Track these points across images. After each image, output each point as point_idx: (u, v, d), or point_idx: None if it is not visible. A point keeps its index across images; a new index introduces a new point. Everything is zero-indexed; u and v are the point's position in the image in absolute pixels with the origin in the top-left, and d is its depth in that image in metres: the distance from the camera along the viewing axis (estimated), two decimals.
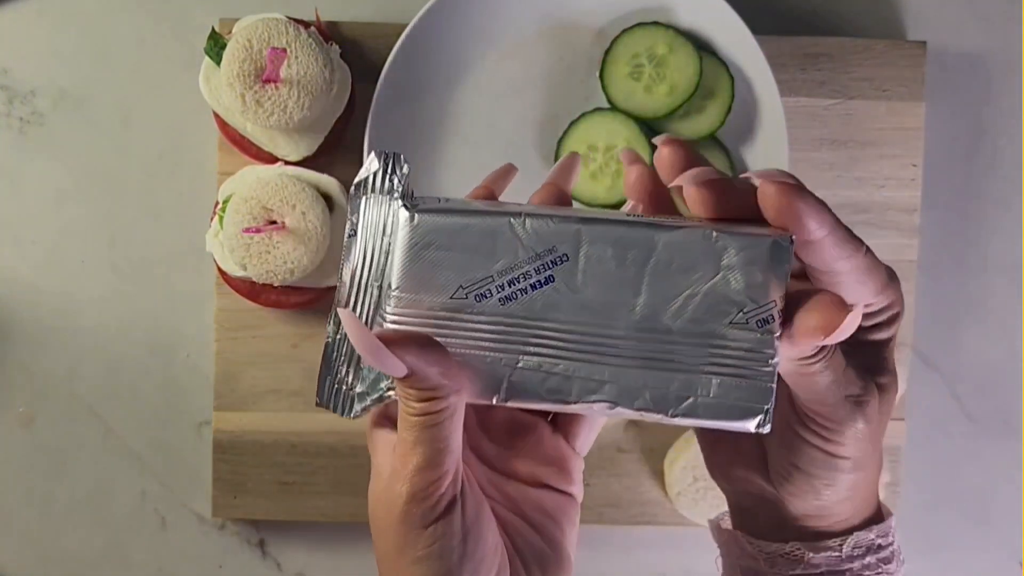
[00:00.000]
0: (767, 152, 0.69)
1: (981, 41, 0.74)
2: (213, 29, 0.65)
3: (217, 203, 0.67)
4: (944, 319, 0.75)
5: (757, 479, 0.40)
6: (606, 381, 0.35)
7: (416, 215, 0.35)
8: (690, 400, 0.35)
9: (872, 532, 0.39)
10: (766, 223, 0.35)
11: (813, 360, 0.35)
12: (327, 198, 0.66)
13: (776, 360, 0.34)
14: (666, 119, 0.68)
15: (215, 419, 0.70)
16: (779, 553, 0.40)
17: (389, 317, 0.35)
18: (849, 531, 0.39)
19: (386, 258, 0.36)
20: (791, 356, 0.35)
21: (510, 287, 0.35)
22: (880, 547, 0.40)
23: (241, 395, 0.70)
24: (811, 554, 0.39)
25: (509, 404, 0.35)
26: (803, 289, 0.35)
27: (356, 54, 0.69)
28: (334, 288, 0.67)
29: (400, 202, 0.36)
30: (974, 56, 0.74)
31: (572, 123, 0.68)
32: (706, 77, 0.67)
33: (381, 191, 0.36)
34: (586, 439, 0.41)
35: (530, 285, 0.35)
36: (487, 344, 0.35)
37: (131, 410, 0.72)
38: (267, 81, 0.63)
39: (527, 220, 0.35)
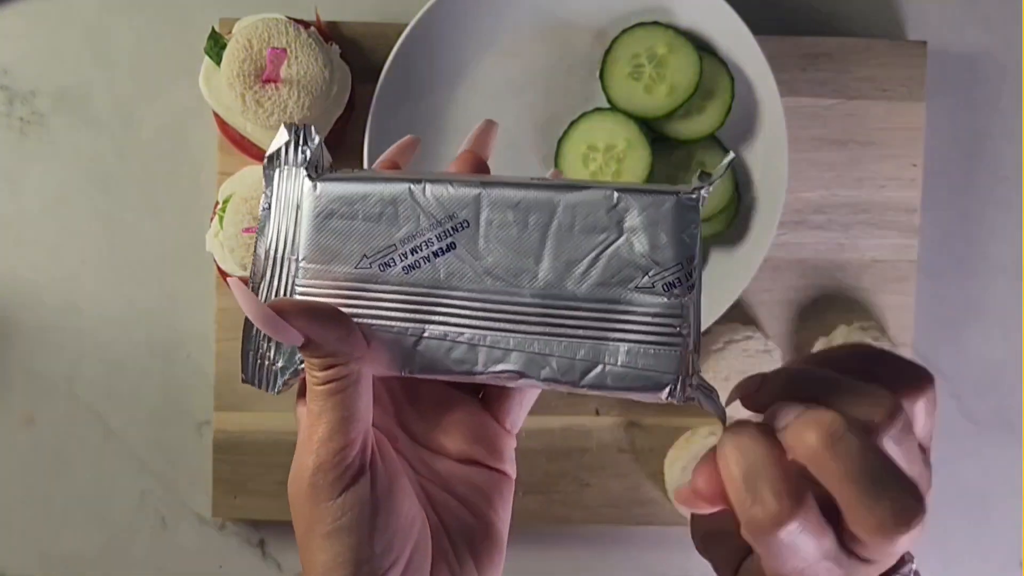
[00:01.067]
0: (767, 152, 0.69)
1: (981, 41, 0.74)
2: (213, 29, 0.65)
3: (217, 203, 0.67)
4: (944, 319, 0.75)
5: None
6: (512, 350, 0.34)
7: (318, 184, 0.35)
8: (598, 369, 0.33)
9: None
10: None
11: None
12: None
13: (686, 325, 0.33)
14: (666, 119, 0.68)
15: (215, 419, 0.70)
16: None
17: (299, 289, 0.35)
18: None
19: (294, 216, 0.35)
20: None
21: (413, 255, 0.34)
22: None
23: (241, 395, 0.70)
24: None
25: (418, 375, 0.34)
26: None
27: (356, 54, 0.69)
28: None
29: (304, 171, 0.35)
30: (974, 56, 0.74)
31: (572, 123, 0.68)
32: (706, 77, 0.67)
33: (293, 163, 0.36)
34: (516, 416, 0.39)
35: (432, 253, 0.34)
36: (393, 315, 0.34)
37: (131, 410, 0.72)
38: (267, 81, 0.63)
39: (427, 186, 0.35)
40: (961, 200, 0.75)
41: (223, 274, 0.67)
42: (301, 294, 0.35)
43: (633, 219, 0.34)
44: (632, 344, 0.33)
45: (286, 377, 0.35)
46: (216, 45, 0.65)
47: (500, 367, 0.34)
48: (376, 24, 0.70)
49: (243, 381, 0.36)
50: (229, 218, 0.64)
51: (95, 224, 0.72)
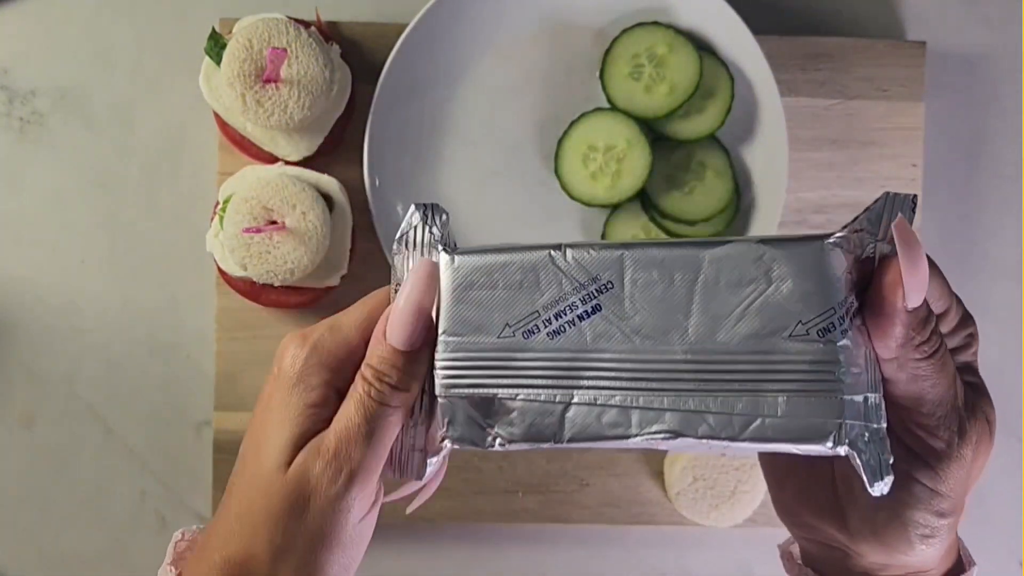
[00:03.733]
0: (767, 152, 0.69)
1: (981, 41, 0.74)
2: (213, 29, 0.65)
3: (217, 203, 0.67)
4: None
5: (827, 527, 0.37)
6: (666, 409, 0.33)
7: (455, 257, 0.35)
8: (757, 422, 0.32)
9: None
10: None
11: (925, 356, 0.32)
12: (327, 198, 0.66)
13: (843, 369, 0.32)
14: (666, 119, 0.68)
15: (215, 419, 0.70)
16: None
17: (439, 363, 0.34)
18: None
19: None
20: (890, 346, 0.32)
21: (557, 320, 0.34)
22: None
23: (241, 395, 0.70)
24: None
25: (567, 445, 0.33)
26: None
27: (356, 54, 0.69)
28: (334, 288, 0.68)
29: (439, 247, 0.35)
30: (974, 56, 0.74)
31: (572, 123, 0.68)
32: (706, 77, 0.67)
33: (422, 244, 0.36)
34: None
35: (577, 316, 0.33)
36: (540, 383, 0.33)
37: (131, 410, 0.72)
38: (267, 81, 0.63)
39: (568, 251, 0.34)
40: (961, 200, 0.75)
41: (223, 274, 0.67)
42: (443, 368, 0.35)
43: (780, 268, 0.33)
44: (791, 395, 0.32)
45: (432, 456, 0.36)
46: (216, 45, 0.65)
47: (655, 427, 0.33)
48: (376, 24, 0.70)
49: (393, 477, 0.36)
50: (229, 218, 0.64)
51: (95, 224, 0.72)
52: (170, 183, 0.72)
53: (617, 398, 0.33)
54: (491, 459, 0.70)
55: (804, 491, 0.38)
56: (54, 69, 0.71)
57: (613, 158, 0.68)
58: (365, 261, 0.68)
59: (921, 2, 0.74)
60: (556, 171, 0.69)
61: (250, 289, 0.67)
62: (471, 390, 0.34)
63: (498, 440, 0.34)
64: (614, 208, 0.69)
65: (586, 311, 0.34)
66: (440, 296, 0.35)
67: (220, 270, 0.67)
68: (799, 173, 0.71)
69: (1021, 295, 0.75)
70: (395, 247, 0.36)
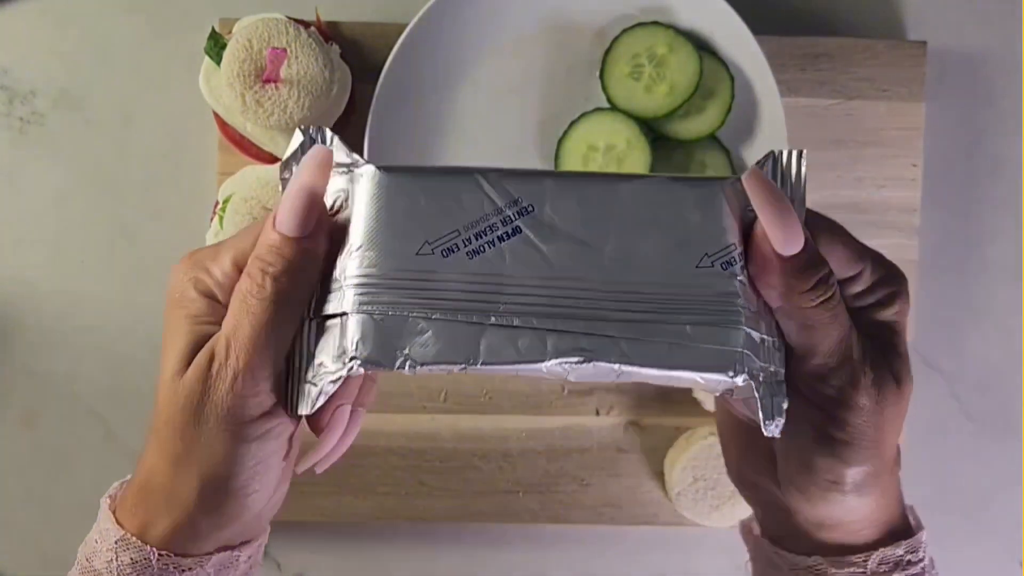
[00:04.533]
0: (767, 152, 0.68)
1: (981, 41, 0.74)
2: (213, 29, 0.65)
3: (217, 203, 0.67)
4: (944, 319, 0.75)
5: (766, 482, 0.39)
6: (581, 333, 0.33)
7: (380, 171, 0.34)
8: (665, 349, 0.33)
9: (900, 547, 0.37)
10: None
11: (812, 304, 0.34)
12: None
13: (741, 301, 0.34)
14: (666, 119, 0.68)
15: None
16: (802, 566, 0.38)
17: (352, 278, 0.34)
18: (874, 546, 0.37)
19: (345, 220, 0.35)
20: (772, 295, 0.34)
21: (477, 240, 0.34)
22: (909, 563, 0.37)
23: None
24: (833, 570, 0.37)
25: (481, 368, 0.33)
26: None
27: (356, 54, 0.69)
28: None
29: (362, 159, 0.35)
30: (974, 56, 0.74)
31: (572, 123, 0.68)
32: (706, 77, 0.67)
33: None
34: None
35: (497, 237, 0.34)
36: (455, 304, 0.33)
37: (131, 410, 0.72)
38: (267, 81, 0.63)
39: (492, 175, 0.34)
40: (961, 200, 0.75)
41: None
42: (356, 283, 0.34)
43: (689, 204, 0.34)
44: (696, 324, 0.33)
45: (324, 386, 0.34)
46: (216, 45, 0.65)
47: (570, 353, 0.33)
48: (376, 24, 0.70)
49: (287, 414, 0.35)
50: (229, 218, 0.64)
51: (95, 224, 0.72)
52: (170, 183, 0.72)
53: (534, 321, 0.33)
54: (491, 459, 0.70)
55: (746, 449, 0.40)
56: (54, 69, 0.71)
57: (613, 158, 0.68)
58: None
59: (921, 2, 0.74)
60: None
61: None
62: (384, 307, 0.33)
63: (408, 362, 0.33)
64: None
65: (506, 232, 0.34)
66: (358, 209, 0.34)
67: None
68: None
69: (1021, 295, 0.75)
70: (282, 172, 0.36)
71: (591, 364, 0.33)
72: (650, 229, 0.34)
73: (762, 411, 0.34)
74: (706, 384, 0.34)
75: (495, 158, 0.70)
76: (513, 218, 0.34)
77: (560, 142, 0.68)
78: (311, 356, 0.35)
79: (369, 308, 0.33)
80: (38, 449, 0.72)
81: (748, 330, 0.34)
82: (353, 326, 0.33)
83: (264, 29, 0.63)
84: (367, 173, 0.35)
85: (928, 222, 0.74)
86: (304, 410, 0.35)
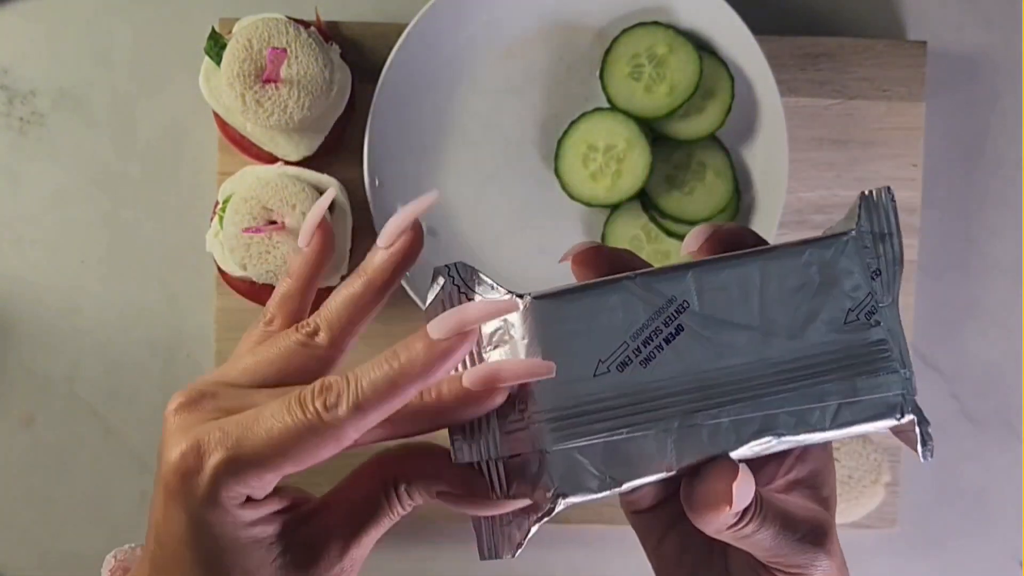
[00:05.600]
0: (767, 152, 0.69)
1: (981, 41, 0.74)
2: (213, 29, 0.65)
3: (217, 203, 0.67)
4: (944, 319, 0.75)
5: None
6: (758, 414, 0.34)
7: (532, 300, 0.34)
8: (835, 408, 0.34)
9: None
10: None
11: (741, 526, 0.33)
12: None
13: (888, 344, 0.36)
14: (666, 119, 0.68)
15: None
16: None
17: (541, 415, 0.33)
18: None
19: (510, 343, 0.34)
20: (712, 531, 0.34)
21: (646, 347, 0.34)
22: None
23: None
24: None
25: (680, 469, 0.33)
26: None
27: (356, 54, 0.69)
28: (334, 288, 0.67)
29: (510, 294, 0.34)
30: (974, 56, 0.74)
31: (572, 123, 0.68)
32: (706, 77, 0.67)
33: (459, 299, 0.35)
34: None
35: (664, 340, 0.34)
36: (643, 417, 0.33)
37: (131, 410, 0.72)
38: (267, 81, 0.63)
39: (638, 279, 0.34)
40: (961, 200, 0.75)
41: (223, 274, 0.67)
42: (547, 419, 0.33)
43: (823, 265, 0.36)
44: (862, 377, 0.35)
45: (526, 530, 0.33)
46: (216, 45, 0.65)
47: (754, 433, 0.34)
48: (376, 24, 0.70)
49: (483, 558, 0.34)
50: (229, 218, 0.64)
51: (95, 224, 0.72)
52: (170, 183, 0.72)
53: (714, 412, 0.34)
54: None
55: (683, 549, 0.39)
56: (54, 69, 0.71)
57: (613, 158, 0.68)
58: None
59: (921, 2, 0.74)
60: (556, 171, 0.69)
61: (250, 289, 0.67)
62: (580, 438, 0.33)
63: (610, 483, 0.33)
64: (614, 208, 0.69)
65: (671, 333, 0.34)
66: (517, 344, 0.34)
67: (220, 270, 0.67)
68: (799, 173, 0.71)
69: (1021, 295, 0.75)
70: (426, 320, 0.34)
71: (773, 440, 0.34)
72: (794, 298, 0.35)
73: (920, 441, 0.36)
74: (873, 431, 0.35)
75: (495, 158, 0.70)
76: (673, 317, 0.34)
77: (560, 142, 0.68)
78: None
79: (565, 444, 0.33)
80: (37, 449, 0.72)
81: (900, 369, 0.36)
82: (553, 463, 0.33)
83: (264, 29, 0.63)
84: (528, 305, 0.34)
85: (928, 222, 0.74)
86: (507, 554, 0.34)
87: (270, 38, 0.63)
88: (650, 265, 0.37)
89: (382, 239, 0.35)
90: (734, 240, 0.37)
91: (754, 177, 0.69)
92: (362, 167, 0.67)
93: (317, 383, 0.31)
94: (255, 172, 0.66)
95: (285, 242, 0.64)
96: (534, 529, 0.33)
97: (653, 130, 0.69)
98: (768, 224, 0.68)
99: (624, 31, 0.68)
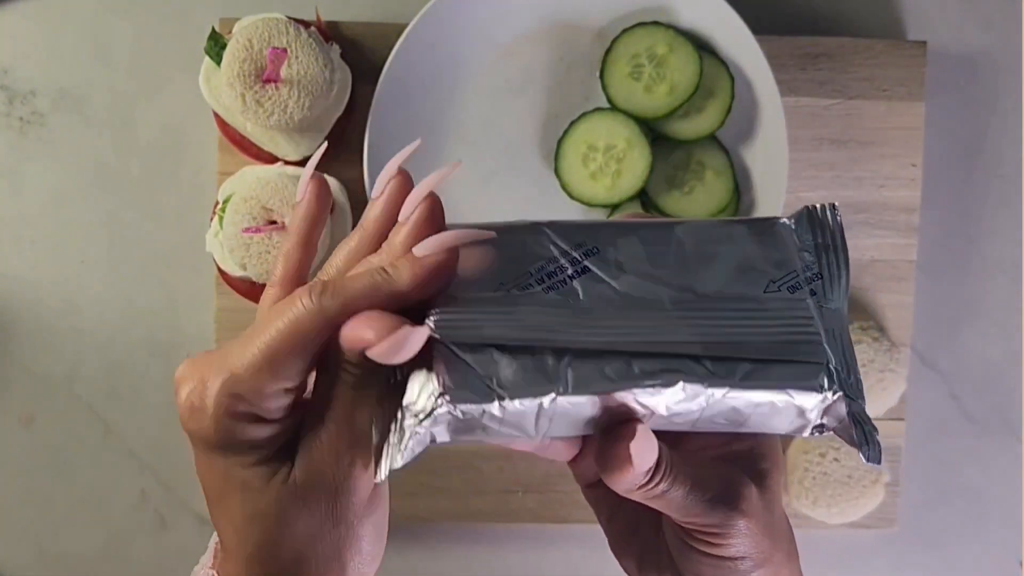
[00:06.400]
0: (767, 152, 0.69)
1: (981, 41, 0.74)
2: (213, 29, 0.65)
3: (217, 203, 0.67)
4: (943, 319, 0.75)
5: (650, 570, 0.39)
6: (665, 354, 0.33)
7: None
8: (749, 367, 0.33)
9: None
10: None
11: (651, 486, 0.34)
12: None
13: (817, 321, 0.34)
14: (666, 119, 0.68)
15: None
16: None
17: (434, 314, 0.33)
18: None
19: None
20: (622, 491, 0.34)
21: (549, 279, 0.34)
22: None
23: None
24: None
25: (572, 395, 0.32)
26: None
27: (356, 54, 0.69)
28: None
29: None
30: (974, 56, 0.74)
31: (572, 123, 0.68)
32: (706, 77, 0.67)
33: None
34: None
35: (568, 276, 0.34)
36: (537, 335, 0.33)
37: (131, 410, 0.72)
38: (267, 81, 0.63)
39: (555, 226, 0.36)
40: (961, 200, 0.75)
41: (223, 274, 0.67)
42: (439, 318, 0.33)
43: (744, 238, 0.36)
44: (779, 342, 0.34)
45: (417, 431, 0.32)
46: (216, 45, 0.65)
47: (658, 375, 0.33)
48: (376, 24, 0.70)
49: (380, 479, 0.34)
50: (229, 218, 0.64)
51: (95, 224, 0.72)
52: (170, 183, 0.72)
53: (618, 347, 0.33)
54: (491, 459, 0.70)
55: (632, 528, 0.40)
56: (54, 69, 0.71)
57: (613, 158, 0.68)
58: None
59: (921, 2, 0.74)
60: (556, 171, 0.69)
61: (250, 289, 0.67)
62: (471, 341, 0.33)
63: (495, 397, 0.32)
64: (614, 208, 0.69)
65: (576, 271, 0.35)
66: None
67: (220, 270, 0.67)
68: (799, 173, 0.71)
69: (1020, 294, 0.75)
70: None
71: (676, 388, 0.33)
72: (712, 262, 0.35)
73: (857, 436, 0.34)
74: (797, 405, 0.33)
75: (495, 158, 0.70)
76: (580, 259, 0.35)
77: (560, 142, 0.68)
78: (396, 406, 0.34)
79: (455, 343, 0.33)
80: (37, 449, 0.72)
81: (828, 350, 0.34)
82: (440, 362, 0.32)
83: (264, 29, 0.63)
84: None
85: (927, 222, 0.74)
86: (399, 458, 0.33)
87: (270, 38, 0.63)
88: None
89: (374, 190, 0.37)
90: None
91: (754, 177, 0.69)
92: (362, 167, 0.67)
93: (305, 286, 0.33)
94: (255, 172, 0.66)
95: (285, 242, 0.64)
96: (420, 431, 0.32)
97: (653, 130, 0.69)
98: None
99: (624, 31, 0.68)
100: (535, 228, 0.35)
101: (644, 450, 0.33)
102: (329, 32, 0.68)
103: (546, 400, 0.32)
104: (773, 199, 0.68)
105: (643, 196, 0.69)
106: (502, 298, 0.34)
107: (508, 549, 0.74)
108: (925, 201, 0.73)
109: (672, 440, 0.36)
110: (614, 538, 0.41)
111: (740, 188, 0.69)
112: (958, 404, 0.75)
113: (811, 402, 0.33)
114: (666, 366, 0.33)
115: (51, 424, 0.72)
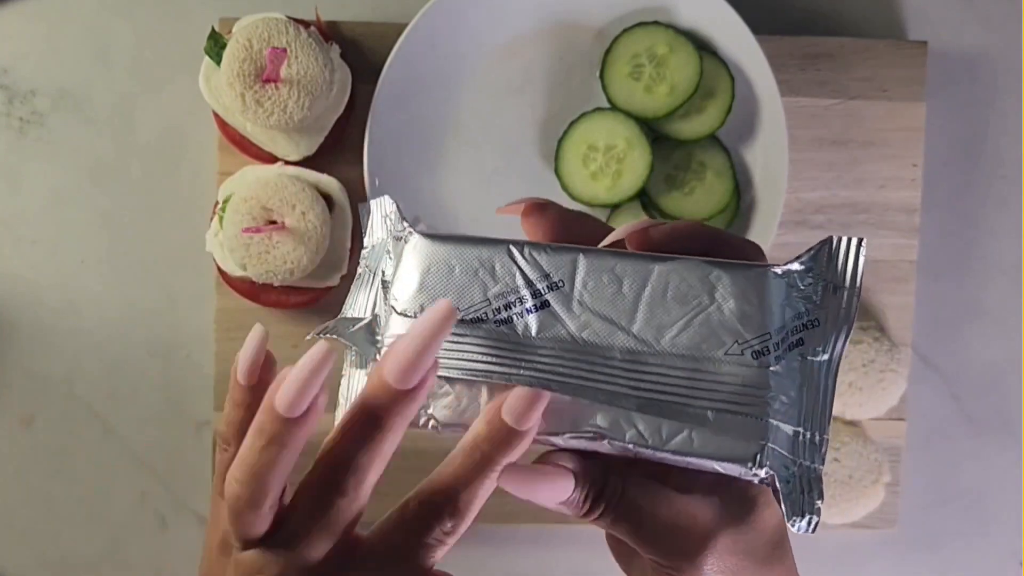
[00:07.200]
0: (767, 152, 0.69)
1: (981, 41, 0.74)
2: (213, 29, 0.65)
3: (217, 203, 0.67)
4: (943, 319, 0.75)
5: None
6: (597, 411, 0.33)
7: (422, 239, 0.35)
8: (683, 434, 0.33)
9: None
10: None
11: (588, 517, 0.34)
12: (327, 198, 0.66)
13: (772, 393, 0.33)
14: (666, 119, 0.68)
15: (215, 419, 0.70)
16: None
17: (388, 340, 0.35)
18: None
19: (393, 271, 0.36)
20: (549, 506, 0.34)
21: (506, 311, 0.34)
22: None
23: None
24: None
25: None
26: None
27: (356, 54, 0.69)
28: (334, 288, 0.68)
29: (404, 225, 0.36)
30: (974, 56, 0.74)
31: (572, 123, 0.68)
32: (706, 77, 0.67)
33: (386, 232, 0.37)
34: None
35: (525, 310, 0.34)
36: (479, 366, 0.34)
37: (131, 410, 0.72)
38: (267, 81, 0.63)
39: (525, 248, 0.35)
40: (961, 200, 0.75)
41: (223, 274, 0.67)
42: (391, 345, 0.34)
43: (724, 287, 0.34)
44: (718, 411, 0.33)
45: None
46: (216, 45, 0.65)
47: (584, 427, 0.33)
48: (376, 24, 0.70)
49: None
50: (229, 218, 0.64)
51: (95, 224, 0.71)
52: (170, 183, 0.72)
53: (553, 387, 0.33)
54: None
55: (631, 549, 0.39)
56: (54, 69, 0.71)
57: (613, 158, 0.68)
58: None
59: (922, 2, 0.74)
60: (556, 171, 0.69)
61: (249, 289, 0.67)
62: None
63: (431, 422, 0.34)
64: (614, 208, 0.69)
65: (534, 305, 0.34)
66: (400, 270, 0.35)
67: (220, 270, 0.67)
68: (799, 173, 0.71)
69: (1020, 295, 0.75)
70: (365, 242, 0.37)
71: (603, 443, 0.33)
72: (679, 313, 0.34)
73: (786, 504, 0.33)
74: (726, 474, 0.33)
75: (495, 158, 0.70)
76: (543, 291, 0.34)
77: (560, 142, 0.68)
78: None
79: None
80: (37, 449, 0.72)
81: (778, 423, 0.33)
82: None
83: (264, 29, 0.63)
84: (412, 240, 0.36)
85: (928, 222, 0.74)
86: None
87: (270, 38, 0.63)
88: (611, 229, 0.37)
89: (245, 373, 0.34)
90: (668, 242, 0.36)
91: (754, 177, 0.69)
92: (362, 167, 0.67)
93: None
94: (255, 172, 0.66)
95: (285, 242, 0.64)
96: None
97: (653, 130, 0.69)
98: (768, 224, 0.68)
99: (624, 31, 0.68)
100: (508, 251, 0.35)
101: (541, 489, 0.33)
102: (329, 32, 0.68)
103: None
104: (773, 199, 0.68)
105: (643, 196, 0.69)
106: (456, 326, 0.34)
107: (509, 549, 0.74)
108: (926, 201, 0.73)
109: (658, 468, 0.35)
110: (617, 552, 0.41)
111: (740, 188, 0.69)
112: (958, 404, 0.75)
113: (739, 473, 0.33)
114: (595, 422, 0.33)
115: (51, 424, 0.72)
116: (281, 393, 0.30)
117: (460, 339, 0.34)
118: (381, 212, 0.37)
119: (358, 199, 0.67)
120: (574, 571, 0.74)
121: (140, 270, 0.72)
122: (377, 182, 0.67)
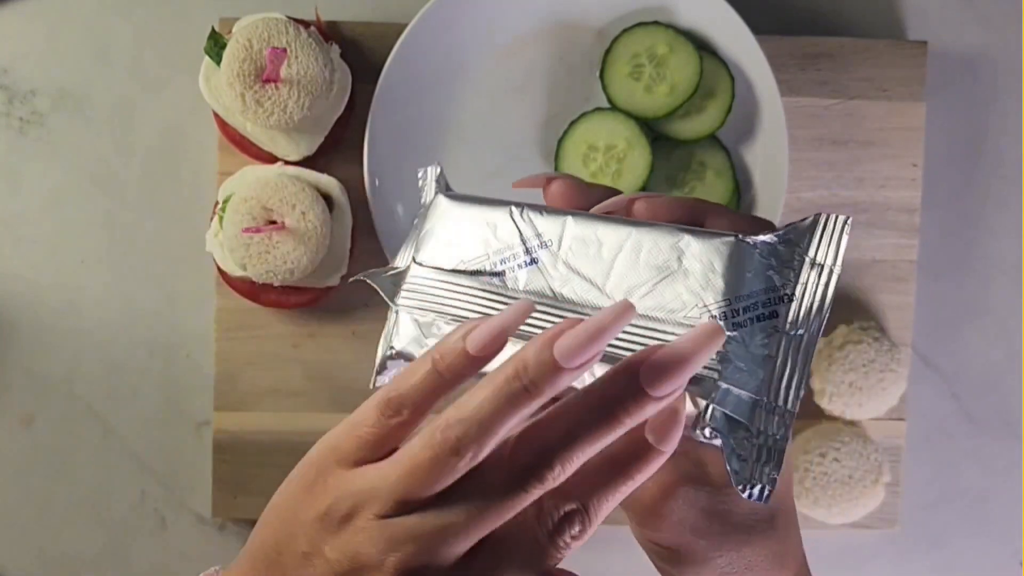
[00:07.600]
0: (767, 152, 0.69)
1: (981, 41, 0.74)
2: (213, 29, 0.65)
3: (217, 203, 0.67)
4: (944, 319, 0.75)
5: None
6: None
7: (445, 199, 0.40)
8: None
9: None
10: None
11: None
12: (327, 198, 0.66)
13: (726, 359, 0.33)
14: (666, 119, 0.68)
15: (215, 419, 0.70)
16: None
17: (406, 284, 0.39)
18: None
19: (421, 227, 0.40)
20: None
21: (501, 264, 0.37)
22: None
23: (241, 395, 0.70)
24: None
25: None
26: None
27: (356, 54, 0.69)
28: (334, 288, 0.68)
29: (435, 187, 0.42)
30: (974, 56, 0.74)
31: (572, 123, 0.68)
32: (706, 77, 0.67)
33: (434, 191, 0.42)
34: None
35: (517, 264, 0.37)
36: (473, 309, 0.37)
37: (131, 410, 0.72)
38: (267, 81, 0.63)
39: (525, 209, 0.38)
40: (961, 200, 0.75)
41: (223, 274, 0.67)
42: (406, 288, 0.38)
43: (692, 253, 0.35)
44: None
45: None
46: (216, 45, 0.65)
47: None
48: (376, 24, 0.70)
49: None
50: (229, 218, 0.64)
51: (95, 224, 0.71)
52: (170, 183, 0.72)
53: (525, 338, 0.35)
54: None
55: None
56: (54, 69, 0.71)
57: (613, 158, 0.68)
58: (365, 261, 0.68)
59: (922, 2, 0.74)
60: (556, 171, 0.69)
61: (250, 289, 0.67)
62: (418, 311, 0.38)
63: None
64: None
65: (526, 260, 0.37)
66: (427, 226, 0.40)
67: (220, 270, 0.67)
68: (799, 173, 0.71)
69: (1021, 294, 0.75)
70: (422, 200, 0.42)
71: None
72: (649, 274, 0.36)
73: (731, 470, 0.33)
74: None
75: (495, 158, 0.70)
76: (534, 250, 0.37)
77: (560, 142, 0.68)
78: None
79: (408, 310, 0.38)
80: (37, 449, 0.72)
81: (729, 387, 0.33)
82: (396, 320, 0.39)
83: (264, 29, 0.63)
84: (436, 200, 0.41)
85: (928, 221, 0.74)
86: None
87: (270, 38, 0.63)
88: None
89: (481, 344, 0.33)
90: (666, 212, 0.37)
91: (754, 177, 0.69)
92: (362, 167, 0.67)
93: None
94: (255, 172, 0.66)
95: (285, 242, 0.64)
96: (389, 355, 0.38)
97: (653, 130, 0.69)
98: None
99: (624, 31, 0.68)
100: (511, 212, 0.38)
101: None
102: (329, 32, 0.68)
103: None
104: (773, 199, 0.68)
105: None
106: (453, 277, 0.38)
107: None
108: (926, 201, 0.73)
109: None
110: (658, 556, 0.43)
111: (740, 188, 0.69)
112: (959, 404, 0.75)
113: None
114: None
115: (51, 424, 0.72)
116: (568, 339, 0.29)
117: (457, 286, 0.37)
118: (430, 177, 0.43)
119: (358, 199, 0.67)
120: (573, 571, 0.74)
121: (140, 270, 0.72)
122: (377, 182, 0.67)
